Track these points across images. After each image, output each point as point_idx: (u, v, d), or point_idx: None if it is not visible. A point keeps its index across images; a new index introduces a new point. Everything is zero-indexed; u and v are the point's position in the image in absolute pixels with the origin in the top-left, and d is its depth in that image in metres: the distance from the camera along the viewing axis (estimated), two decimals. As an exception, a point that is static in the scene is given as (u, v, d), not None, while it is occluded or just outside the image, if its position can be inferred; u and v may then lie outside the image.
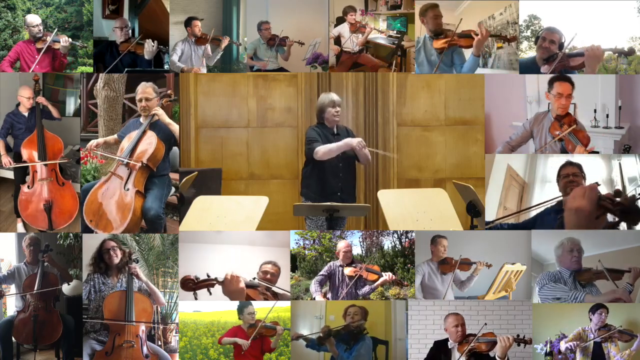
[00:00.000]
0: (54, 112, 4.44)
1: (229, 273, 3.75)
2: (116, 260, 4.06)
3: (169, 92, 4.37)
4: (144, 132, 4.16)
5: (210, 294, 3.83)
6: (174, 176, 4.59)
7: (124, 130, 4.32)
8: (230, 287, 3.74)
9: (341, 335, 4.01)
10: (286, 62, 4.98)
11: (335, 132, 4.43)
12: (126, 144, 4.17)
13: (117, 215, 4.05)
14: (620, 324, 3.98)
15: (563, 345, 3.96)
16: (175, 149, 4.50)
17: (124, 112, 5.15)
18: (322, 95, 4.48)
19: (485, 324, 3.85)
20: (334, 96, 4.42)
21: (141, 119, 4.26)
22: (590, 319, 3.98)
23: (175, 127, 4.21)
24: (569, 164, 4.04)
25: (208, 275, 3.81)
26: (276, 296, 4.01)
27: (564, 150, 4.23)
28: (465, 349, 3.75)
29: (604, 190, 4.29)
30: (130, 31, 4.73)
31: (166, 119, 4.17)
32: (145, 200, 4.08)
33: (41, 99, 4.37)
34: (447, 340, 3.92)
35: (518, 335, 3.74)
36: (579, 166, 4.02)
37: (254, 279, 3.95)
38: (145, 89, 4.19)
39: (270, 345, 3.98)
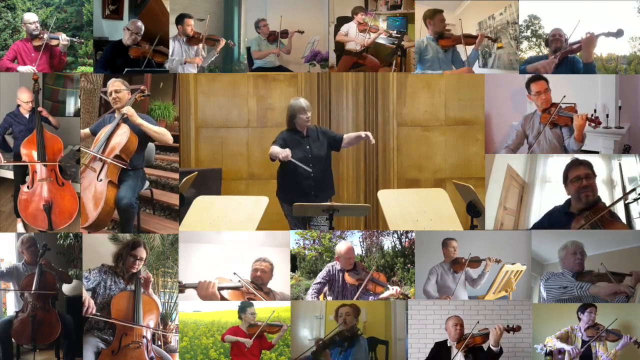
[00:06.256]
0: (53, 121, 4.44)
1: (204, 280, 3.92)
2: (134, 270, 4.05)
3: (142, 87, 4.38)
4: (117, 125, 4.20)
5: None
6: (153, 171, 4.59)
7: (97, 125, 4.35)
8: (202, 292, 3.89)
9: (335, 342, 4.01)
10: (288, 55, 4.97)
11: (305, 134, 4.43)
12: (100, 136, 4.22)
13: (92, 207, 4.09)
14: (614, 325, 3.98)
15: (559, 344, 3.98)
16: (151, 144, 4.51)
17: (100, 105, 5.10)
18: (292, 101, 4.42)
19: (478, 322, 3.93)
20: (303, 102, 4.39)
21: (115, 114, 4.29)
22: (580, 319, 3.99)
23: (146, 127, 4.16)
24: (577, 163, 3.91)
25: (180, 283, 4.05)
26: (269, 295, 4.02)
27: (560, 139, 4.25)
28: (462, 345, 3.83)
29: (603, 190, 4.33)
30: (139, 37, 4.68)
31: (137, 119, 4.16)
32: (119, 190, 4.10)
33: (43, 111, 4.38)
34: (446, 340, 3.97)
35: (508, 325, 3.85)
36: (589, 165, 3.90)
37: (238, 280, 3.98)
38: (114, 83, 4.25)
39: (271, 343, 4.01)
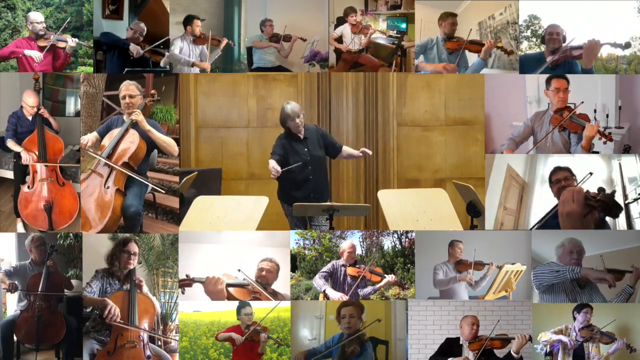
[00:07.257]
0: (54, 124, 4.43)
1: (212, 275, 3.88)
2: (131, 266, 4.04)
3: (152, 92, 4.36)
4: (126, 130, 4.15)
5: (183, 293, 4.03)
6: (155, 175, 4.63)
7: (105, 127, 4.28)
8: (209, 287, 3.86)
9: (346, 356, 3.98)
10: (285, 59, 4.97)
11: (302, 137, 4.42)
12: (107, 141, 4.16)
13: (96, 214, 4.06)
14: (610, 327, 4.01)
15: (554, 336, 4.00)
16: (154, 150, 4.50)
17: (102, 109, 5.09)
18: (283, 107, 4.40)
19: (498, 321, 4.01)
20: (290, 109, 4.36)
21: (124, 117, 4.23)
22: (575, 318, 4.01)
23: (154, 135, 4.15)
24: (558, 169, 4.16)
25: (187, 276, 3.95)
26: (275, 295, 4.02)
27: (567, 145, 4.26)
28: (481, 345, 3.85)
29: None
30: (141, 37, 4.69)
31: (146, 125, 4.13)
32: (126, 198, 4.07)
33: (44, 112, 4.37)
34: (458, 338, 3.98)
35: (530, 336, 3.90)
36: (568, 170, 4.12)
37: (244, 278, 3.97)
38: (129, 87, 4.18)
39: (258, 350, 3.96)
